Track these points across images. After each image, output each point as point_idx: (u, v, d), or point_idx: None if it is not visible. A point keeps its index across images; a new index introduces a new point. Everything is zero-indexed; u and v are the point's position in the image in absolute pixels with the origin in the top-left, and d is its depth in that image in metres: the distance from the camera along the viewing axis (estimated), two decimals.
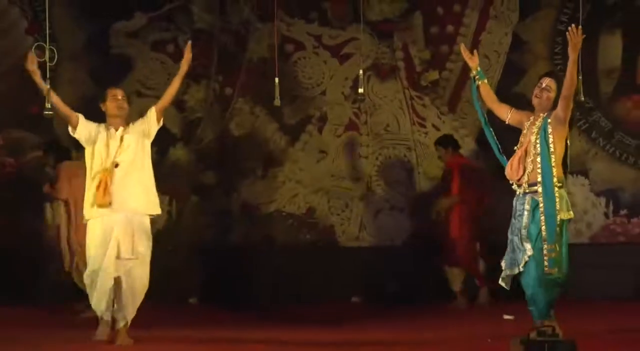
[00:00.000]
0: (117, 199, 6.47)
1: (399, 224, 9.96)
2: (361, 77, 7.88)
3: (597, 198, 9.58)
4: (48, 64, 6.74)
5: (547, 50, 9.77)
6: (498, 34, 9.92)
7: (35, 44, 6.90)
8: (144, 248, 6.52)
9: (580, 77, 6.89)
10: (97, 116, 9.43)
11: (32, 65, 6.46)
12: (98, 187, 6.46)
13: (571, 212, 6.36)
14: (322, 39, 10.08)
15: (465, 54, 6.65)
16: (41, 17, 9.15)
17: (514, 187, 6.44)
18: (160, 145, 9.97)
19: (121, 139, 6.58)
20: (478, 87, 6.63)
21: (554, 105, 6.33)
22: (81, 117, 6.66)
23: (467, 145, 9.93)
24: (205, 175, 10.13)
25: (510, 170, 6.41)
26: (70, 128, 6.67)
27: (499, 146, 6.55)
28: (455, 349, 6.21)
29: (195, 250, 9.93)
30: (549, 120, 6.31)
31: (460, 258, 9.04)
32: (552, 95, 6.38)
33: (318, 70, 10.09)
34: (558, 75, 6.45)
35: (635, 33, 9.65)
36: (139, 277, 6.53)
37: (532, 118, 6.43)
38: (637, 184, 9.73)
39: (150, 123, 6.69)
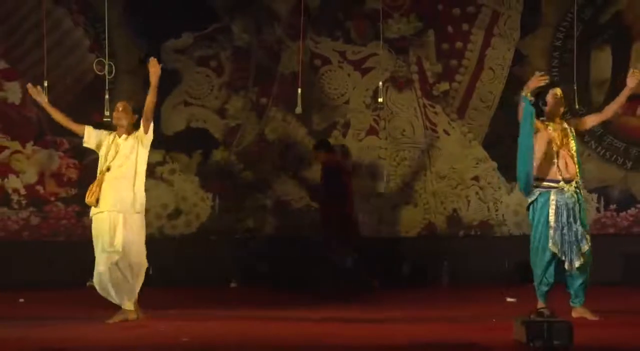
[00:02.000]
0: (103, 199, 6.55)
1: (413, 218, 9.95)
2: (381, 88, 7.91)
3: (589, 195, 9.54)
4: (107, 77, 6.81)
5: (545, 64, 9.73)
6: (502, 49, 9.89)
7: (97, 60, 6.99)
8: (126, 241, 6.53)
9: (575, 87, 6.94)
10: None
11: (37, 96, 6.69)
12: (91, 187, 6.59)
13: None
14: (346, 55, 10.08)
15: (536, 80, 6.41)
16: (102, 37, 9.21)
17: (561, 184, 6.44)
18: (205, 148, 10.08)
19: (118, 146, 6.64)
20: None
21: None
22: (87, 129, 6.75)
23: (474, 148, 9.91)
24: (244, 174, 10.15)
25: (566, 168, 6.43)
26: (83, 140, 6.79)
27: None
28: (464, 327, 6.20)
29: (235, 240, 9.96)
30: (572, 129, 6.45)
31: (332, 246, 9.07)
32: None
33: (342, 82, 10.09)
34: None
35: (623, 49, 9.63)
36: (136, 265, 6.60)
37: (550, 124, 6.47)
38: (625, 182, 9.71)
39: (140, 133, 6.71)
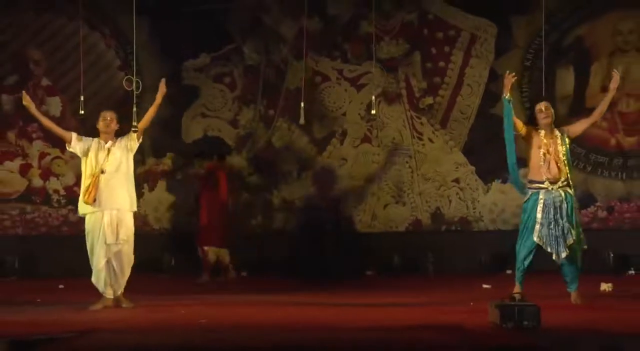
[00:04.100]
0: (103, 198, 6.44)
1: (401, 215, 9.95)
2: (373, 101, 7.90)
3: None
4: (135, 92, 6.79)
5: (516, 81, 9.67)
6: (478, 68, 9.89)
7: (126, 77, 6.96)
8: (125, 235, 6.47)
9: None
10: (170, 131, 9.53)
11: (28, 103, 6.50)
12: (87, 188, 6.46)
13: None
14: (343, 73, 10.08)
15: (508, 77, 6.58)
16: (130, 58, 9.22)
17: (547, 184, 6.44)
18: (219, 154, 10.03)
19: (108, 151, 6.52)
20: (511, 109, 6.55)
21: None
22: (74, 135, 6.63)
23: (455, 154, 9.91)
24: (254, 177, 10.15)
25: (550, 170, 6.43)
26: (66, 144, 6.64)
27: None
28: (446, 310, 6.19)
29: (246, 234, 9.94)
30: (567, 135, 6.44)
31: (209, 241, 8.97)
32: (552, 112, 6.53)
33: (340, 96, 10.09)
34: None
35: (583, 68, 9.66)
36: (125, 257, 6.50)
37: (543, 132, 6.47)
38: (585, 184, 9.71)
39: (132, 141, 6.59)
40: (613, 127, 9.65)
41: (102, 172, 6.48)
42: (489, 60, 9.86)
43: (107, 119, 6.63)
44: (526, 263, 6.50)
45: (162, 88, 6.68)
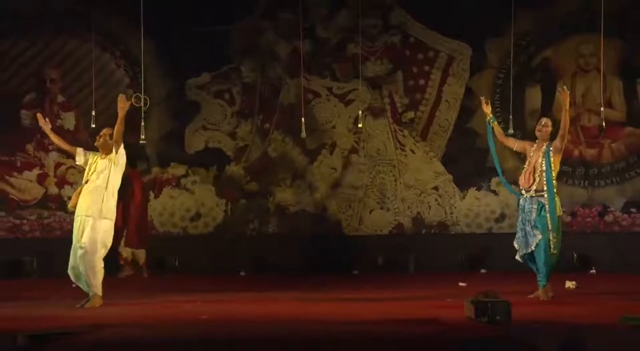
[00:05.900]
0: (80, 205, 6.41)
1: (386, 219, 9.98)
2: (360, 116, 7.93)
3: None
4: (143, 108, 6.82)
5: (489, 98, 9.75)
6: (455, 86, 9.95)
7: (134, 94, 6.98)
8: (88, 241, 6.34)
9: (510, 116, 7.04)
10: (174, 143, 9.50)
11: (43, 124, 6.56)
12: (73, 196, 6.51)
13: (561, 210, 6.57)
14: (332, 90, 10.10)
15: (483, 103, 6.79)
16: (138, 77, 9.24)
17: (523, 192, 6.55)
18: (219, 163, 10.08)
19: (97, 164, 6.47)
20: (492, 128, 6.76)
21: (551, 136, 6.54)
22: (79, 150, 6.59)
23: (434, 164, 9.95)
24: (251, 184, 10.15)
25: (524, 180, 6.55)
26: (74, 158, 6.66)
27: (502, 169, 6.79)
28: (426, 305, 6.21)
29: (244, 237, 9.95)
30: (551, 148, 6.47)
31: (127, 243, 9.09)
32: (549, 129, 6.56)
33: (330, 111, 10.11)
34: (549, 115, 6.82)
35: (549, 87, 9.71)
36: (87, 261, 6.37)
37: (535, 145, 6.57)
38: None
39: (113, 154, 6.43)
40: (576, 139, 9.72)
41: (86, 182, 6.47)
42: (465, 79, 9.92)
43: (100, 136, 6.53)
44: (531, 264, 6.62)
45: (120, 103, 6.32)
